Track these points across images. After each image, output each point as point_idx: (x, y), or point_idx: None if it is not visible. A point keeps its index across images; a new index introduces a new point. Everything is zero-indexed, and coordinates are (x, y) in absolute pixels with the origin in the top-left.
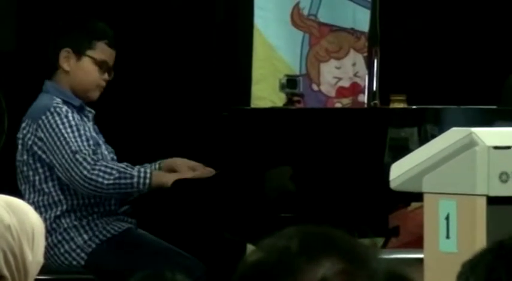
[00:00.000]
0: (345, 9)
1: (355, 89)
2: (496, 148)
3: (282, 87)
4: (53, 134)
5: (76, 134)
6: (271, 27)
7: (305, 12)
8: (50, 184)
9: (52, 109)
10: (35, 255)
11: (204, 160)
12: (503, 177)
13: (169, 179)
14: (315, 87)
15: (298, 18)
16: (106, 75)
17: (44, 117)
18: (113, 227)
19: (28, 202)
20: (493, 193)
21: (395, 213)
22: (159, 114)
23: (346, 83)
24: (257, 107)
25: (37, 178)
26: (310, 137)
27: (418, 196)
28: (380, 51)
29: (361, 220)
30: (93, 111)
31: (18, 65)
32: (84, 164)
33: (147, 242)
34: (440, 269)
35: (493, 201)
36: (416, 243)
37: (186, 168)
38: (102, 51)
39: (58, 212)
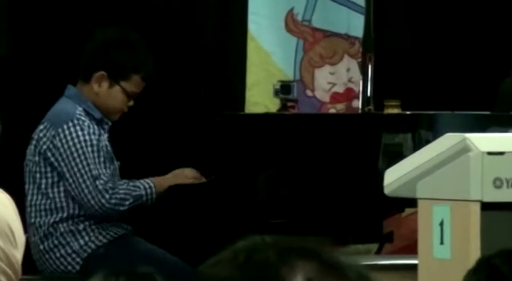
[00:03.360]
0: (339, 14)
1: (349, 94)
2: (490, 153)
3: (276, 92)
4: (73, 149)
5: (96, 154)
6: (265, 33)
7: (299, 17)
8: (56, 189)
9: (75, 121)
10: (20, 246)
11: (198, 165)
12: (497, 183)
13: (167, 184)
14: (309, 92)
15: (292, 24)
16: (131, 103)
17: (65, 126)
18: (108, 233)
19: (30, 203)
20: (487, 199)
21: (389, 219)
22: (152, 120)
23: (340, 89)
24: (251, 113)
25: (44, 181)
26: (304, 142)
27: (412, 202)
28: (374, 56)
29: (356, 225)
30: (109, 122)
31: (11, 70)
32: (103, 193)
33: (142, 248)
34: (434, 275)
35: (487, 207)
36: (411, 249)
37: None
38: (135, 84)
39: (57, 219)
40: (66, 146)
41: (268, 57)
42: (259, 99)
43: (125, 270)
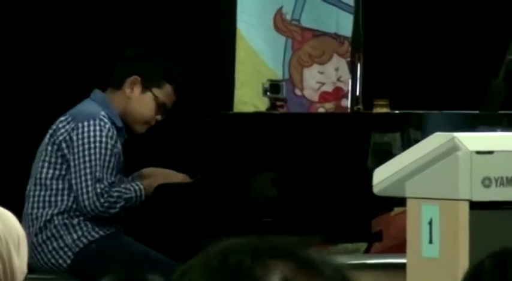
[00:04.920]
0: (328, 14)
1: (338, 93)
2: (478, 152)
3: (265, 92)
4: (86, 146)
5: (107, 158)
6: (254, 32)
7: (288, 17)
8: (60, 182)
9: (97, 121)
10: (21, 262)
11: (187, 164)
12: (486, 182)
13: (156, 185)
14: (298, 92)
15: (281, 23)
16: (159, 116)
17: (86, 123)
18: (101, 229)
19: (29, 193)
20: (475, 198)
21: (378, 218)
22: None
23: (329, 88)
24: (240, 112)
25: (51, 171)
26: (293, 142)
27: (401, 201)
28: (363, 56)
29: (345, 224)
30: (126, 136)
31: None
32: (99, 196)
33: (133, 247)
34: (423, 274)
35: (475, 206)
36: (399, 248)
37: (163, 174)
38: (167, 94)
39: (55, 211)
40: (80, 142)
41: (257, 57)
42: (248, 98)
43: (135, 277)
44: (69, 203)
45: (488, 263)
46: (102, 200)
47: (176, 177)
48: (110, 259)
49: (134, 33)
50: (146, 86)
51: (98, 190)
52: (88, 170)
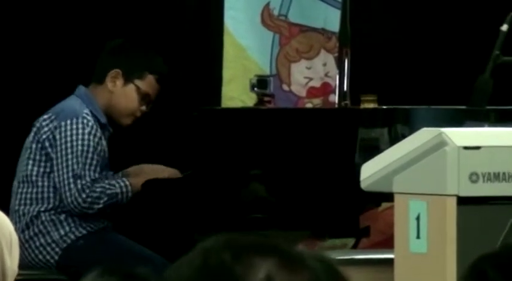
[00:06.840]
0: (315, 9)
1: (326, 89)
2: (466, 148)
3: (253, 87)
4: (69, 144)
5: (89, 155)
6: (241, 28)
7: (275, 12)
8: (45, 179)
9: (80, 119)
10: (12, 262)
11: (175, 160)
12: (473, 177)
13: (143, 181)
14: (285, 87)
15: (268, 19)
16: (144, 107)
17: (68, 122)
18: (89, 225)
19: (17, 190)
20: (463, 193)
21: (366, 213)
22: None
23: (316, 83)
24: (227, 107)
25: (35, 169)
26: (280, 137)
27: (389, 196)
28: (350, 51)
29: (332, 220)
30: (111, 130)
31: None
32: (81, 192)
33: (121, 243)
34: (411, 270)
35: (463, 201)
36: (387, 243)
37: (152, 171)
38: (149, 84)
39: (42, 208)
40: (63, 140)
41: (245, 52)
42: (236, 93)
43: (121, 270)
44: (56, 202)
45: (492, 273)
46: (83, 195)
47: (165, 172)
48: (98, 255)
49: (121, 29)
50: (128, 79)
51: (79, 186)
52: (70, 168)
